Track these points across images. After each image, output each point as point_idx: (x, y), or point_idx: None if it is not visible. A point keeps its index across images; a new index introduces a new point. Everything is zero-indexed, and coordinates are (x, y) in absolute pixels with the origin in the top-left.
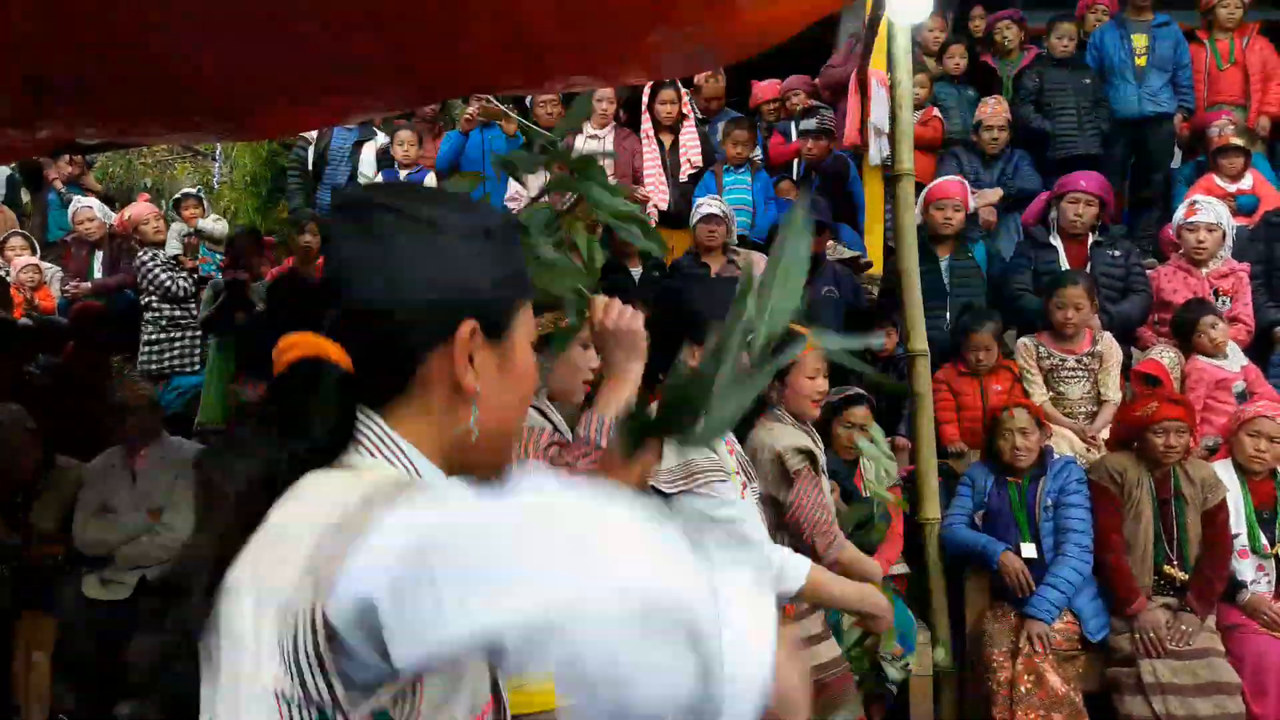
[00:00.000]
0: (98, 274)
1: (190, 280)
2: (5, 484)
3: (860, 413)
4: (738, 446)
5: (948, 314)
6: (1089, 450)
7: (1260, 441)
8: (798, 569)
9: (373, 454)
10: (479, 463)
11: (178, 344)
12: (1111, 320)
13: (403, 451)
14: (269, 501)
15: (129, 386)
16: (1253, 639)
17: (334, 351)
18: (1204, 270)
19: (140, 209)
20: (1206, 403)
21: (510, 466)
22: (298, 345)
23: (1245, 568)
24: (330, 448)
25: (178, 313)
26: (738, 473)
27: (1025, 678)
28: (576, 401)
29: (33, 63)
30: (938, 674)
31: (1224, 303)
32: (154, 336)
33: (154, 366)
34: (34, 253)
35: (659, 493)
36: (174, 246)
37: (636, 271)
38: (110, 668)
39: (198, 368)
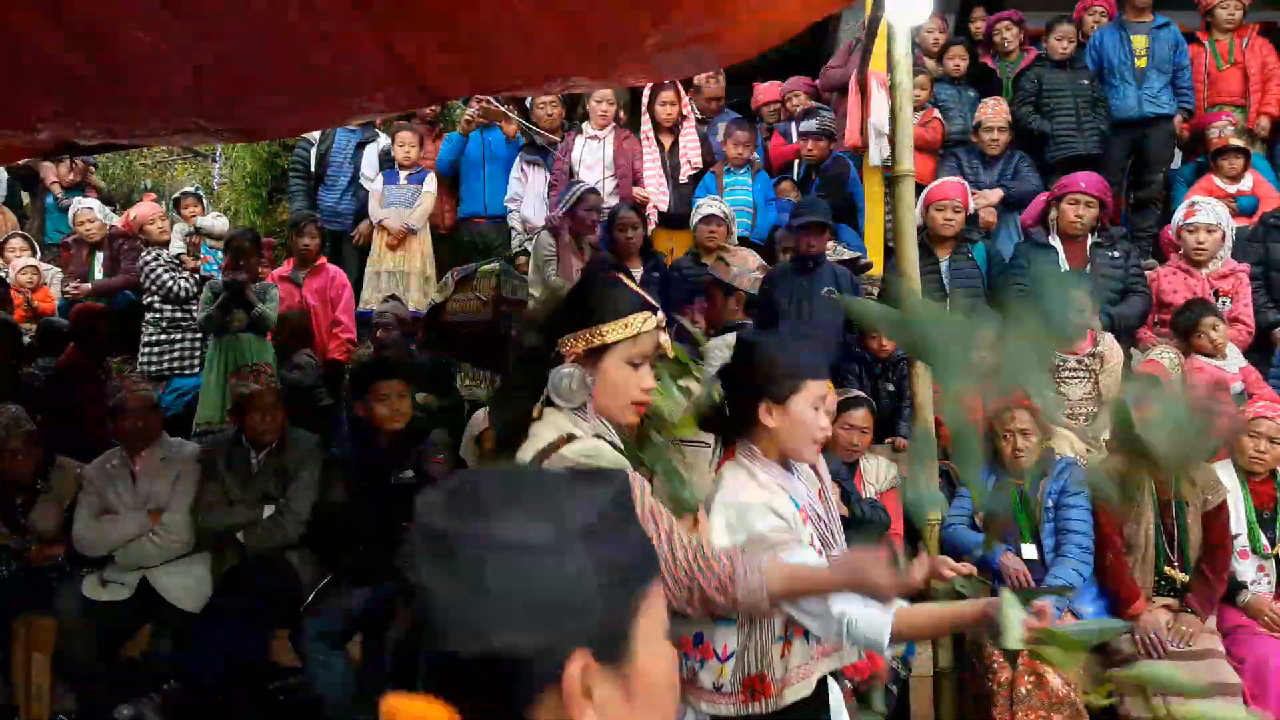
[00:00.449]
0: (98, 275)
1: (192, 280)
2: (5, 485)
3: (860, 415)
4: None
5: None
6: (1089, 451)
7: (1260, 442)
8: (877, 626)
9: None
10: None
11: (178, 346)
12: (1111, 321)
13: None
14: None
15: (129, 387)
16: (1254, 640)
17: (437, 717)
18: (1204, 271)
19: (146, 209)
20: None
21: None
22: (401, 713)
23: (1246, 568)
24: None
25: (179, 314)
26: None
27: (1025, 678)
28: (625, 423)
29: (27, 60)
30: (938, 674)
31: (1224, 303)
32: (154, 338)
33: (154, 368)
34: (34, 254)
35: None
36: (178, 246)
37: (637, 272)
38: (110, 668)
39: (197, 369)
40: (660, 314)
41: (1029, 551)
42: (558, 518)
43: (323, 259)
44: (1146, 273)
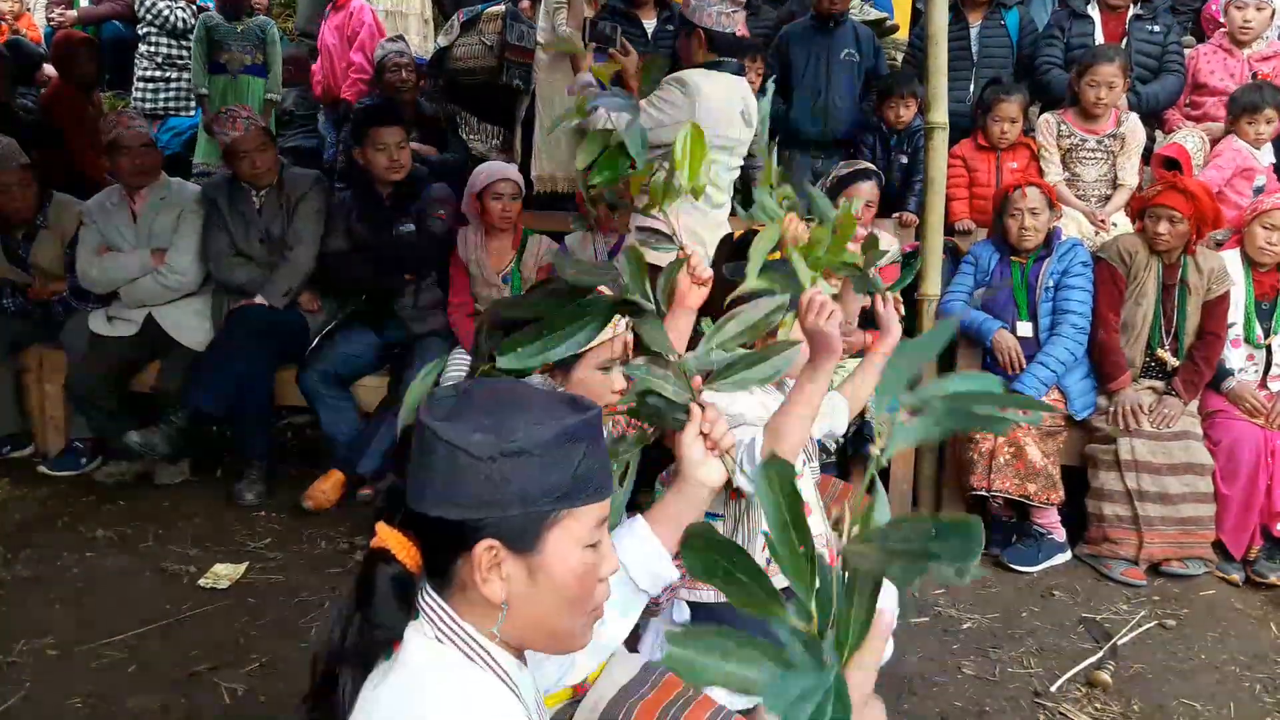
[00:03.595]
0: (84, 2)
1: (190, 11)
2: (4, 219)
3: (867, 188)
4: None
5: (972, 85)
6: (1097, 234)
7: (1273, 235)
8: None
9: (440, 636)
10: (540, 648)
11: (173, 84)
12: (1140, 101)
13: (468, 634)
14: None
15: (124, 124)
16: (1231, 424)
17: (399, 547)
18: (1245, 51)
19: None
20: (1223, 191)
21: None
22: (379, 535)
23: (1236, 356)
24: (391, 624)
25: (174, 50)
26: None
27: (1005, 449)
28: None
29: None
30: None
31: None
32: (149, 73)
33: (148, 105)
34: None
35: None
36: None
37: (650, 23)
38: (120, 400)
39: (194, 109)
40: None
41: (1024, 329)
42: (501, 435)
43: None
44: (1185, 50)
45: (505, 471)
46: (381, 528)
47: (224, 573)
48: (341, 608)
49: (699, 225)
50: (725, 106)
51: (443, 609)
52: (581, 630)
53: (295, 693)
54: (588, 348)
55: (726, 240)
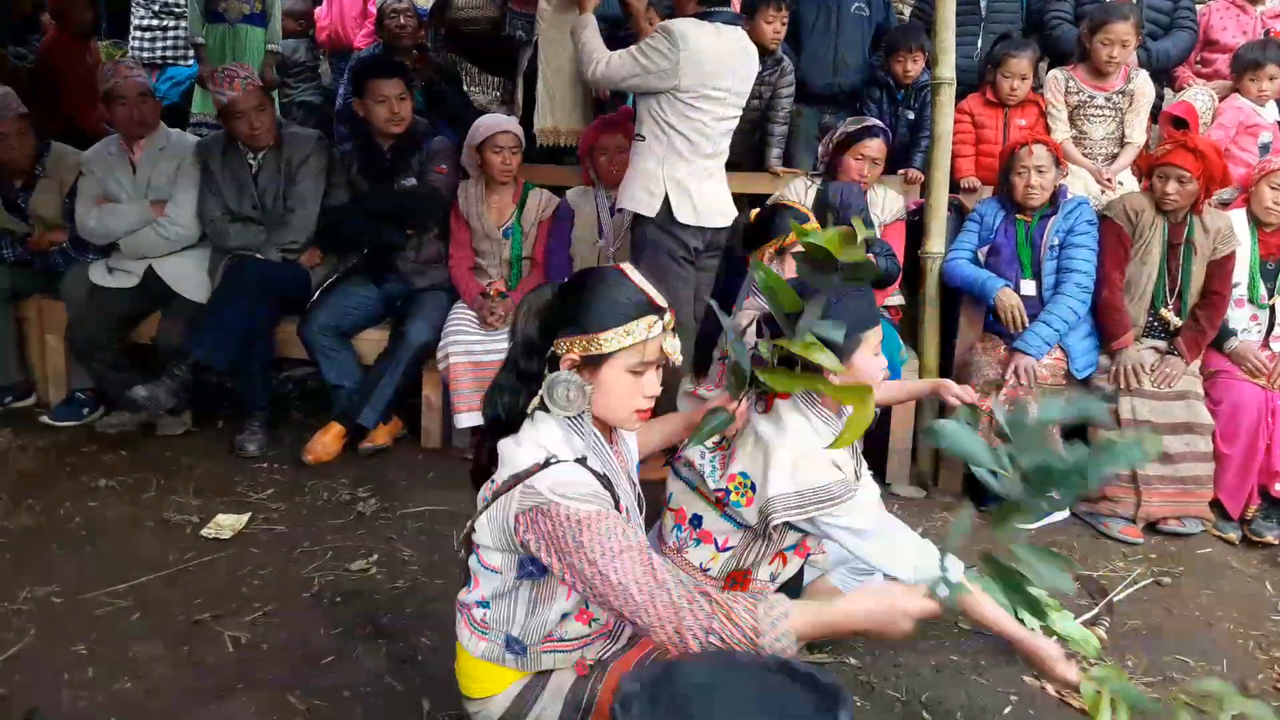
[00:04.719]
0: None
1: None
2: (2, 169)
3: (874, 146)
4: None
5: (980, 40)
6: (1103, 193)
7: None
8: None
9: None
10: None
11: (171, 33)
12: (1150, 57)
13: None
14: None
15: (121, 74)
16: (1232, 384)
17: None
18: (1258, 9)
19: None
20: (1228, 148)
21: None
22: None
23: (1239, 316)
24: None
25: None
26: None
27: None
28: (632, 429)
29: None
30: (918, 432)
31: (1276, 45)
32: (146, 22)
33: (146, 54)
34: None
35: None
36: None
37: None
38: (121, 351)
39: (192, 60)
40: (668, 315)
41: (1028, 287)
42: None
43: None
44: (1197, 6)
45: None
46: None
47: (226, 523)
48: None
49: (685, 175)
50: (714, 56)
51: None
52: None
53: (296, 643)
54: (618, 349)
55: (743, 218)
